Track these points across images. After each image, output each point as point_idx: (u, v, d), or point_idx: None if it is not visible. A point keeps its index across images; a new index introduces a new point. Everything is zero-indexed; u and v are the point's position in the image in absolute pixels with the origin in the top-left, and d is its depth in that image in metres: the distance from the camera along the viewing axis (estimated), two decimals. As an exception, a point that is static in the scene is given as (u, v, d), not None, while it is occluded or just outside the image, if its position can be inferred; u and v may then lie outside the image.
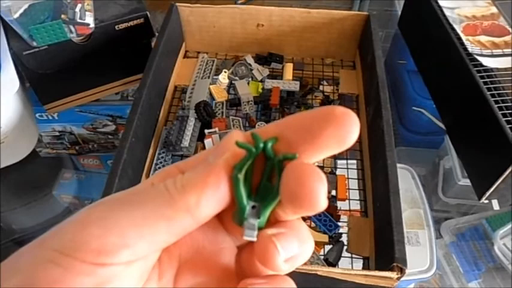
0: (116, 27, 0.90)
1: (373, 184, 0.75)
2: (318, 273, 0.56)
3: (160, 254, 0.27)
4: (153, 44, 0.94)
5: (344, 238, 0.73)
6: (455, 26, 0.88)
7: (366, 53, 0.91)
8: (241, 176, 0.25)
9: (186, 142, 0.81)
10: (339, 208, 0.78)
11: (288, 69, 0.96)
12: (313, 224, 0.75)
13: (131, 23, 0.91)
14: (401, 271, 0.56)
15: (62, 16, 0.83)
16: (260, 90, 0.93)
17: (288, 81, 0.93)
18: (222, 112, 0.88)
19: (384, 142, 0.70)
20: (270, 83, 0.92)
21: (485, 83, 0.78)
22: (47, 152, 1.18)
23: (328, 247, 0.73)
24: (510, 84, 0.79)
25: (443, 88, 0.94)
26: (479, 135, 0.81)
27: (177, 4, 0.94)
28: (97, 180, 1.25)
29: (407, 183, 1.08)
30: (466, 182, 1.01)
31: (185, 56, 1.02)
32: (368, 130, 0.82)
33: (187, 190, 0.25)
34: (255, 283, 0.26)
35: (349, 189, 0.79)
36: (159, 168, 0.79)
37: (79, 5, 0.84)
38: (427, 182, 1.27)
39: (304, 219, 0.75)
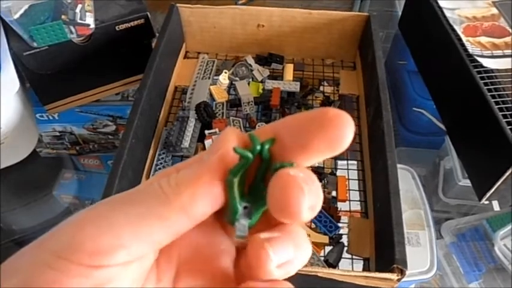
0: (117, 27, 0.90)
1: (374, 185, 0.75)
2: (318, 274, 0.56)
3: (159, 256, 0.27)
4: (153, 44, 0.93)
5: (344, 239, 0.73)
6: (456, 27, 0.88)
7: (366, 54, 0.91)
8: (236, 181, 0.25)
9: (186, 143, 0.81)
10: (339, 209, 0.78)
11: (289, 70, 0.96)
12: (313, 225, 0.75)
13: (132, 24, 0.91)
14: (402, 272, 0.56)
15: (62, 17, 0.83)
16: (260, 91, 0.93)
17: (289, 82, 0.93)
18: (223, 113, 0.88)
19: (384, 143, 0.70)
20: (270, 84, 0.92)
21: (486, 84, 0.78)
22: (47, 152, 1.18)
23: (328, 248, 0.73)
24: (510, 85, 0.78)
25: (443, 89, 0.94)
26: (479, 136, 0.81)
27: (178, 5, 0.94)
28: (97, 181, 1.25)
29: (407, 183, 1.08)
30: (467, 182, 1.01)
31: (185, 57, 1.02)
32: (368, 131, 0.82)
33: (182, 189, 0.25)
34: (255, 287, 0.25)
35: (349, 190, 0.79)
36: (160, 169, 0.79)
37: (79, 6, 0.84)
38: (427, 183, 1.27)
39: (304, 220, 0.74)
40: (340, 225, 0.75)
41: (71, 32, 0.85)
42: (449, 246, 1.11)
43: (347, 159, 0.85)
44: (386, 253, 0.61)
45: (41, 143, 1.14)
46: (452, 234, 1.12)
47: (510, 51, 0.84)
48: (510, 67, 0.81)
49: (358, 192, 0.80)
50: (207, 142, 0.80)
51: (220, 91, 0.91)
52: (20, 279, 0.23)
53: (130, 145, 0.69)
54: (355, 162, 0.84)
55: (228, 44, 1.00)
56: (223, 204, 0.26)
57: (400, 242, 0.59)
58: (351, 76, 0.96)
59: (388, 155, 0.68)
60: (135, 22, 0.91)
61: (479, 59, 0.81)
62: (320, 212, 0.75)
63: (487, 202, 0.82)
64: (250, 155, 0.25)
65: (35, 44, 0.83)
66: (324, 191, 0.80)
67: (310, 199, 0.23)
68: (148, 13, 0.91)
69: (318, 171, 0.82)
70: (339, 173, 0.83)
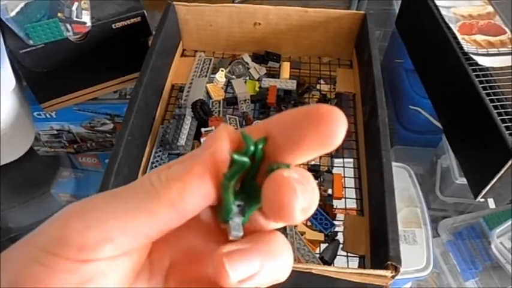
0: (113, 25, 0.90)
1: (369, 183, 0.75)
2: (313, 271, 0.56)
3: (151, 255, 0.27)
4: (150, 43, 0.93)
5: (340, 237, 0.73)
6: (451, 25, 0.88)
7: (362, 52, 0.91)
8: (231, 185, 0.25)
9: (182, 141, 0.81)
10: (335, 207, 0.78)
11: (285, 68, 0.96)
12: (309, 223, 0.75)
13: (128, 22, 0.91)
14: (396, 269, 0.56)
15: (59, 14, 0.83)
16: (257, 89, 0.93)
17: (285, 80, 0.93)
18: (219, 111, 0.88)
19: (379, 141, 0.70)
20: (267, 82, 0.92)
21: (481, 82, 0.78)
22: (45, 151, 1.18)
23: (324, 246, 0.73)
24: (505, 83, 0.79)
25: (439, 87, 0.94)
26: (474, 134, 0.81)
27: (174, 3, 0.94)
28: (95, 179, 1.25)
29: (404, 181, 1.08)
30: (464, 180, 1.01)
31: (182, 55, 1.02)
32: (364, 129, 0.82)
33: (171, 183, 0.25)
34: None
35: (345, 187, 0.79)
36: (156, 166, 0.79)
37: (76, 4, 0.84)
38: (424, 181, 1.27)
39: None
40: (336, 222, 0.75)
41: (67, 30, 0.85)
42: (446, 245, 1.11)
43: (343, 157, 0.85)
44: (380, 250, 0.61)
45: (38, 142, 1.14)
46: (449, 232, 1.12)
47: (505, 49, 0.84)
48: (505, 65, 0.81)
49: (354, 190, 0.80)
50: (203, 140, 0.80)
51: (217, 89, 0.91)
52: (9, 276, 0.23)
53: (126, 143, 0.69)
54: (351, 160, 0.84)
55: (224, 42, 1.00)
56: (216, 202, 0.26)
57: (394, 240, 0.59)
58: (347, 74, 0.96)
59: (383, 153, 0.68)
60: (132, 20, 0.91)
61: (474, 57, 0.81)
62: (316, 209, 0.75)
63: (482, 200, 0.82)
64: (247, 160, 0.25)
65: (31, 42, 0.83)
66: (319, 189, 0.80)
67: (303, 201, 0.23)
68: (144, 11, 0.91)
69: (314, 169, 0.82)
70: (335, 170, 0.83)
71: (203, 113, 0.84)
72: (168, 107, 0.91)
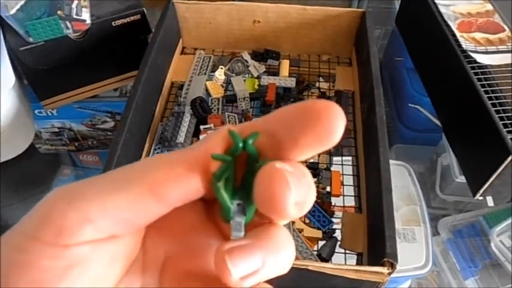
0: (113, 23, 0.90)
1: (367, 180, 0.76)
2: (309, 268, 0.56)
3: (145, 246, 0.27)
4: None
5: (338, 234, 0.73)
6: (450, 23, 0.88)
7: (361, 50, 0.91)
8: (221, 184, 0.24)
9: (181, 138, 0.81)
10: (333, 204, 0.78)
11: (285, 66, 0.96)
12: (307, 220, 0.75)
13: (128, 19, 0.91)
14: (392, 266, 0.56)
15: (58, 12, 0.83)
16: (256, 87, 0.93)
17: (284, 78, 0.93)
18: (218, 108, 0.89)
19: (377, 138, 0.70)
20: (266, 80, 0.92)
21: (479, 80, 0.78)
22: (46, 149, 1.18)
23: (322, 243, 0.73)
24: (504, 81, 0.79)
25: (438, 85, 0.94)
26: (473, 132, 0.81)
27: (174, 1, 0.94)
28: (96, 177, 1.25)
29: (403, 180, 1.08)
30: (463, 179, 1.01)
31: (182, 53, 1.02)
32: (363, 126, 0.82)
33: (153, 169, 0.24)
34: None
35: (343, 185, 0.80)
36: (154, 164, 0.79)
37: (75, 1, 0.85)
38: (425, 179, 1.27)
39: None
40: (334, 220, 0.75)
41: (67, 28, 0.85)
42: (446, 243, 1.11)
43: (341, 155, 0.85)
44: (377, 248, 0.61)
45: (40, 139, 1.14)
46: (448, 230, 1.12)
47: (504, 47, 0.84)
48: (504, 63, 0.81)
49: (352, 188, 0.80)
50: (202, 137, 0.80)
51: (216, 87, 0.91)
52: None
53: (124, 140, 0.70)
54: (350, 157, 0.84)
55: (224, 39, 1.00)
56: (207, 197, 0.25)
57: (391, 237, 0.59)
58: (346, 72, 0.96)
59: (381, 150, 0.68)
60: (131, 18, 0.91)
61: (473, 54, 0.81)
62: (314, 206, 0.75)
63: (481, 198, 0.82)
64: (229, 158, 0.24)
65: (31, 40, 0.83)
66: (318, 186, 0.80)
67: (297, 195, 0.22)
68: (144, 9, 0.92)
69: (312, 166, 0.82)
70: (333, 168, 0.83)
71: (202, 111, 0.84)
72: (167, 104, 0.91)
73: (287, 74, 0.95)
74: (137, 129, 0.76)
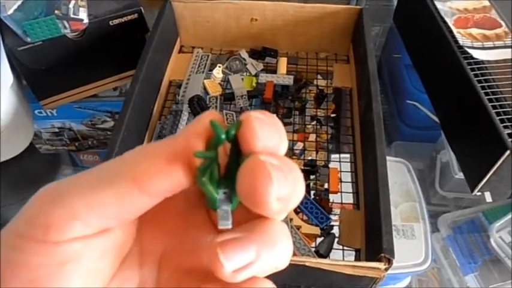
0: (110, 22, 0.90)
1: (365, 176, 0.76)
2: (306, 264, 0.56)
3: (142, 241, 0.27)
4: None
5: (336, 230, 0.74)
6: (447, 19, 0.88)
7: (358, 47, 0.91)
8: (206, 178, 0.24)
9: (179, 136, 0.81)
10: (331, 201, 0.78)
11: (282, 64, 0.96)
12: (305, 217, 0.75)
13: (125, 19, 0.91)
14: (389, 262, 0.56)
15: (56, 12, 0.83)
16: (254, 85, 0.93)
17: (282, 76, 0.93)
18: (216, 106, 0.89)
19: (374, 134, 0.70)
20: (264, 78, 0.93)
21: (476, 75, 0.78)
22: (46, 149, 1.19)
23: (320, 240, 0.73)
24: (500, 77, 0.79)
25: (435, 81, 0.94)
26: (470, 128, 0.81)
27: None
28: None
29: (403, 176, 1.08)
30: (462, 175, 1.01)
31: (180, 51, 1.02)
32: (360, 123, 0.82)
33: (137, 162, 0.24)
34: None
35: (341, 182, 0.80)
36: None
37: (73, 1, 0.85)
38: (424, 176, 1.27)
39: (296, 212, 0.75)
40: (332, 217, 0.75)
41: (65, 27, 0.85)
42: (445, 239, 1.11)
43: (339, 152, 0.85)
44: (374, 243, 0.61)
45: (40, 140, 1.14)
46: (448, 227, 1.12)
47: (501, 42, 0.84)
48: (501, 58, 0.81)
49: (350, 184, 0.80)
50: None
51: (214, 85, 0.92)
52: None
53: (122, 138, 0.70)
54: (348, 154, 0.84)
55: (221, 38, 1.01)
56: (197, 189, 0.25)
57: (387, 232, 0.59)
58: (344, 69, 0.97)
59: (378, 146, 0.69)
60: (129, 17, 0.91)
61: (469, 50, 0.81)
62: (311, 203, 0.75)
63: (479, 193, 0.82)
64: (212, 154, 0.24)
65: (28, 39, 0.84)
66: (316, 183, 0.80)
67: (280, 189, 0.22)
68: (141, 8, 0.92)
69: (310, 163, 0.82)
70: (331, 165, 0.83)
71: (200, 109, 0.85)
72: (165, 103, 0.92)
73: (285, 72, 0.95)
74: (135, 127, 0.76)
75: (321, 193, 0.79)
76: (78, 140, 1.17)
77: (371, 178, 0.69)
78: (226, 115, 0.87)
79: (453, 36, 0.85)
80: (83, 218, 0.23)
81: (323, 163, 0.83)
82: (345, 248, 0.71)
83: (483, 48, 0.82)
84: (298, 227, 0.73)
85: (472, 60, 0.80)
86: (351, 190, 0.79)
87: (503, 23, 0.88)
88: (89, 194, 0.23)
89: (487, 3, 0.92)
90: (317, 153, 0.85)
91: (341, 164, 0.82)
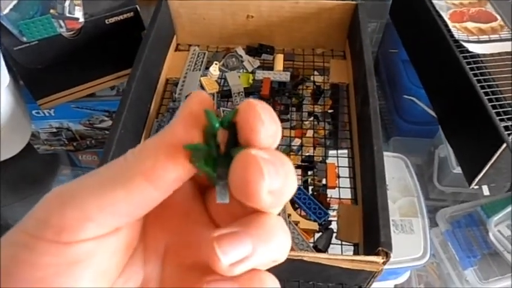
0: (106, 21, 0.90)
1: (362, 171, 0.76)
2: (305, 259, 0.56)
3: (146, 238, 0.27)
4: (144, 37, 0.94)
5: (334, 225, 0.74)
6: (443, 13, 0.88)
7: (354, 43, 0.91)
8: (201, 164, 0.25)
9: (176, 134, 0.81)
10: (329, 196, 0.78)
11: (279, 60, 0.96)
12: (303, 213, 0.76)
13: (121, 17, 0.91)
14: (387, 255, 0.56)
15: (51, 11, 0.83)
16: (251, 82, 0.93)
17: (279, 72, 0.93)
18: (213, 104, 0.89)
19: (370, 129, 0.70)
20: (261, 74, 0.93)
21: (472, 69, 0.78)
22: (44, 149, 1.19)
23: (318, 235, 0.73)
24: (496, 70, 0.79)
25: (432, 75, 0.94)
26: (467, 122, 0.82)
27: (167, -3, 0.94)
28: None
29: (401, 171, 1.08)
30: (460, 170, 1.02)
31: (177, 49, 1.02)
32: (357, 118, 0.83)
33: (143, 155, 0.25)
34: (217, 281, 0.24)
35: (339, 177, 0.80)
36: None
37: (68, 0, 0.85)
38: (423, 172, 1.27)
39: (294, 207, 0.75)
40: (330, 212, 0.75)
41: (60, 26, 0.85)
42: (444, 234, 1.11)
43: (337, 148, 0.85)
44: (372, 237, 0.61)
45: (38, 140, 1.14)
46: (447, 221, 1.12)
47: (496, 36, 0.84)
48: (496, 52, 0.81)
49: (348, 179, 0.80)
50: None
51: (211, 82, 0.92)
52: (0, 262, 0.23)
53: (119, 136, 0.70)
54: (346, 150, 0.84)
55: (218, 35, 1.01)
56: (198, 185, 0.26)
57: (385, 226, 0.59)
58: (340, 65, 0.97)
59: (374, 141, 0.69)
60: (125, 15, 0.91)
61: (465, 44, 0.82)
62: (309, 199, 0.75)
63: (477, 187, 0.82)
64: (201, 146, 0.25)
65: (24, 39, 0.84)
66: (313, 179, 0.80)
67: (271, 183, 0.22)
68: (137, 6, 0.92)
69: (308, 159, 0.82)
70: (329, 160, 0.83)
71: (197, 106, 0.84)
72: (162, 101, 0.92)
73: (281, 68, 0.95)
74: (132, 125, 0.76)
75: (319, 188, 0.79)
76: (76, 140, 1.17)
77: (368, 173, 0.69)
78: (223, 112, 0.87)
79: (449, 31, 0.85)
80: (96, 219, 0.24)
81: (321, 159, 0.83)
82: (343, 242, 0.71)
83: (479, 41, 0.83)
84: (297, 223, 0.73)
85: (467, 54, 0.81)
86: (348, 185, 0.79)
87: (498, 17, 0.88)
88: (101, 194, 0.24)
89: (483, -3, 0.92)
90: (314, 149, 0.85)
91: (339, 159, 0.82)
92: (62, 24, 0.85)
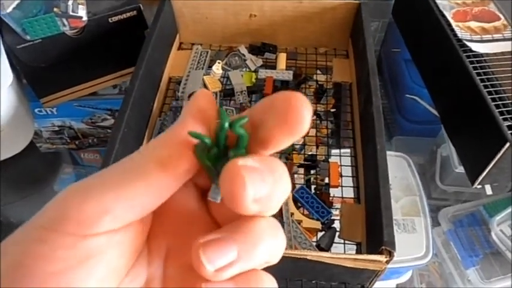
0: (109, 19, 0.90)
1: (365, 170, 0.76)
2: (308, 257, 0.56)
3: (149, 240, 0.28)
4: (147, 36, 0.94)
5: (337, 224, 0.74)
6: (446, 13, 0.88)
7: (357, 42, 0.91)
8: (203, 154, 0.26)
9: (179, 132, 0.81)
10: (332, 195, 0.78)
11: (282, 59, 0.96)
12: (306, 212, 0.76)
13: (124, 16, 0.91)
14: (390, 254, 0.56)
15: (55, 9, 0.83)
16: (254, 80, 0.93)
17: (282, 71, 0.93)
18: (216, 102, 0.89)
19: (373, 128, 0.70)
20: (263, 73, 0.93)
21: (475, 68, 0.78)
22: (47, 147, 1.19)
23: (321, 234, 0.73)
24: (499, 69, 0.79)
25: (435, 75, 0.94)
26: (470, 121, 0.82)
27: (169, -4, 0.94)
28: (97, 175, 1.25)
29: (403, 171, 1.08)
30: (463, 169, 1.02)
31: (180, 48, 1.02)
32: (360, 117, 0.82)
33: (158, 146, 0.26)
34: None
35: (342, 176, 0.80)
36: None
37: (71, -1, 0.85)
38: (425, 171, 1.27)
39: (297, 206, 0.75)
40: (332, 211, 0.75)
41: (64, 25, 0.85)
42: (446, 233, 1.11)
43: (340, 147, 0.85)
44: (375, 236, 0.61)
45: (40, 138, 1.14)
46: (449, 221, 1.12)
47: (499, 35, 0.84)
48: (499, 51, 0.81)
49: (350, 178, 0.80)
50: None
51: (214, 81, 0.92)
52: (14, 256, 0.24)
53: (122, 135, 0.70)
54: (348, 149, 0.84)
55: (220, 34, 1.01)
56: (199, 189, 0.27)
57: (388, 225, 0.59)
58: (343, 64, 0.97)
59: (378, 140, 0.69)
60: (128, 14, 0.91)
61: (468, 43, 0.82)
62: (312, 198, 0.75)
63: (480, 186, 0.82)
64: (207, 140, 0.26)
65: (28, 37, 0.84)
66: (316, 178, 0.80)
67: (255, 192, 0.23)
68: (140, 5, 0.92)
69: (311, 158, 0.82)
70: (331, 159, 0.83)
71: (200, 105, 0.85)
72: (165, 99, 0.92)
73: (284, 67, 0.95)
74: (135, 124, 0.77)
75: (322, 187, 0.79)
76: (79, 139, 1.17)
77: (371, 171, 0.69)
78: (226, 111, 0.87)
79: (452, 30, 0.85)
80: (114, 211, 0.24)
81: (323, 158, 0.83)
82: (346, 241, 0.71)
83: (482, 41, 0.83)
84: (299, 222, 0.73)
85: (471, 54, 0.81)
86: (351, 184, 0.79)
87: (501, 16, 0.88)
88: (119, 186, 0.25)
89: (486, -4, 0.92)
90: (317, 148, 0.85)
91: (341, 158, 0.82)
92: (66, 22, 0.85)
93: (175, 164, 0.25)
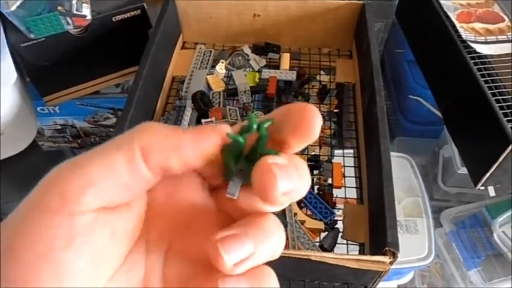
0: (113, 18, 0.90)
1: (368, 171, 0.76)
2: (311, 258, 0.56)
3: (149, 231, 0.28)
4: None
5: (340, 225, 0.74)
6: (450, 14, 0.88)
7: (361, 42, 0.91)
8: (230, 154, 0.27)
9: (182, 132, 0.81)
10: (335, 196, 0.78)
11: (285, 59, 0.96)
12: (309, 212, 0.76)
13: (128, 15, 0.91)
14: (394, 255, 0.56)
15: (59, 8, 0.83)
16: (257, 80, 0.93)
17: (285, 71, 0.93)
18: (219, 102, 0.89)
19: (377, 129, 0.70)
20: (267, 73, 0.93)
21: (479, 70, 0.78)
22: (49, 146, 1.19)
23: (324, 234, 0.73)
24: (504, 71, 0.79)
25: (438, 76, 0.94)
26: (474, 122, 0.81)
27: (174, -4, 0.94)
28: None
29: (405, 172, 1.08)
30: (465, 170, 1.01)
31: (183, 47, 1.02)
32: (364, 118, 0.82)
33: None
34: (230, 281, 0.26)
35: (345, 177, 0.80)
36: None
37: (75, -3, 0.85)
38: (427, 172, 1.27)
39: (300, 207, 0.75)
40: (335, 211, 0.75)
41: (68, 23, 0.86)
42: (448, 234, 1.11)
43: (343, 147, 0.85)
44: (379, 237, 0.61)
45: (42, 137, 1.14)
46: (451, 222, 1.12)
47: (504, 36, 0.84)
48: (504, 52, 0.81)
49: (354, 179, 0.80)
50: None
51: (217, 81, 0.92)
52: (6, 240, 0.24)
53: (125, 133, 0.70)
54: (351, 149, 0.84)
55: (224, 34, 1.01)
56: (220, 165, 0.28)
57: (392, 226, 0.59)
58: (347, 64, 0.96)
59: (382, 140, 0.68)
60: (132, 13, 0.91)
61: (472, 45, 0.81)
62: (315, 198, 0.75)
63: (482, 188, 0.82)
64: (241, 140, 0.27)
65: (32, 36, 0.84)
66: (319, 178, 0.80)
67: (284, 186, 0.25)
68: (144, 4, 0.92)
69: (314, 158, 0.82)
70: (335, 160, 0.83)
71: (203, 104, 0.85)
72: (168, 98, 0.92)
73: (288, 67, 0.95)
74: (138, 123, 0.76)
75: (325, 188, 0.79)
76: (81, 137, 1.17)
77: (375, 172, 0.69)
78: (229, 111, 0.87)
79: (456, 31, 0.85)
80: (96, 184, 0.24)
81: (326, 158, 0.83)
82: (349, 242, 0.71)
83: (486, 42, 0.83)
84: (303, 222, 0.73)
85: (475, 55, 0.80)
86: (354, 185, 0.79)
87: (506, 18, 0.88)
88: (103, 158, 0.25)
89: (490, -2, 0.92)
90: (320, 148, 0.85)
91: (344, 159, 0.82)
92: (70, 21, 0.85)
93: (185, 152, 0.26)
